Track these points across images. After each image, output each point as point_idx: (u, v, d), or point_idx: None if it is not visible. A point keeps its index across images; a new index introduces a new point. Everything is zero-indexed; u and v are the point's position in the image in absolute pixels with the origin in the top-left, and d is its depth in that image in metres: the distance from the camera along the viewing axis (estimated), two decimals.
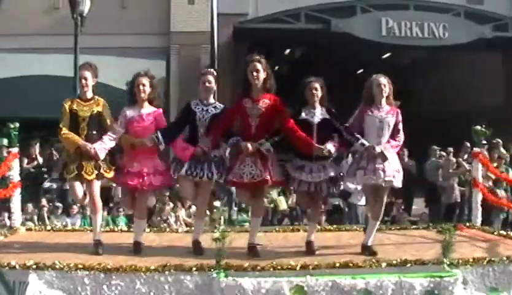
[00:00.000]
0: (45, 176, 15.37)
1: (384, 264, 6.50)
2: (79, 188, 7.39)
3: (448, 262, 6.50)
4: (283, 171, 7.23)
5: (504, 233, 8.41)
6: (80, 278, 6.26)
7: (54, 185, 14.71)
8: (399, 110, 7.27)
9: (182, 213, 14.05)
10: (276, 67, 27.48)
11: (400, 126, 7.23)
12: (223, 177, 7.20)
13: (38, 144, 15.84)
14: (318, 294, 6.08)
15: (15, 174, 8.60)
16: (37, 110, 16.55)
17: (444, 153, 16.46)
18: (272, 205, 15.29)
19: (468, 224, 9.14)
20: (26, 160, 14.84)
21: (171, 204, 13.97)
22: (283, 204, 15.50)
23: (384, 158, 6.98)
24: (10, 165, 8.51)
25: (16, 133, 8.51)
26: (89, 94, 7.35)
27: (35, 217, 13.40)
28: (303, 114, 7.11)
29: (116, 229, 9.47)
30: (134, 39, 19.96)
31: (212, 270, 6.27)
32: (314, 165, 7.03)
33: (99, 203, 7.34)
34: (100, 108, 7.28)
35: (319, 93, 7.12)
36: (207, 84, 7.26)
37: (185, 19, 20.08)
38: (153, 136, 7.05)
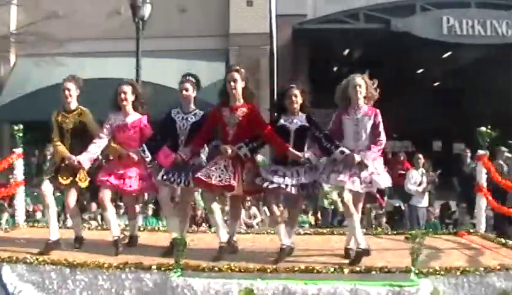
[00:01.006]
0: None
1: (346, 271, 6.24)
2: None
3: (416, 271, 6.18)
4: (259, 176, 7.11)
5: (504, 241, 7.88)
6: (47, 272, 6.50)
7: None
8: (378, 111, 6.97)
9: (241, 214, 14.00)
10: (335, 68, 27.28)
11: (381, 127, 6.91)
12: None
13: None
14: None
15: (18, 174, 8.95)
16: (101, 112, 16.76)
17: (510, 155, 15.90)
18: (332, 207, 15.09)
19: (472, 230, 8.75)
20: None
21: None
22: (341, 206, 15.26)
23: (364, 166, 6.74)
24: (14, 164, 8.85)
25: (21, 134, 8.82)
26: (73, 105, 7.48)
27: (99, 217, 13.60)
28: (282, 120, 7.01)
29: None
30: (193, 41, 20.10)
31: (170, 269, 6.31)
32: (288, 170, 6.90)
33: (72, 208, 7.51)
34: (83, 118, 7.43)
35: (299, 100, 6.96)
36: (184, 92, 7.26)
37: (244, 21, 20.08)
38: (140, 149, 7.15)
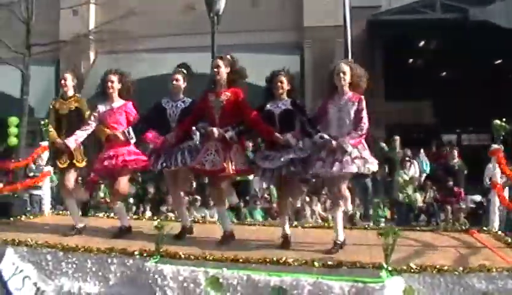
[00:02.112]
0: None
1: (316, 264, 6.18)
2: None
3: (390, 268, 5.99)
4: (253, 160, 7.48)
5: (510, 241, 7.39)
6: (44, 254, 6.99)
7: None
8: (362, 98, 6.92)
9: (318, 208, 13.98)
10: (410, 60, 26.75)
11: (363, 113, 6.86)
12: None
13: None
14: (233, 287, 6.06)
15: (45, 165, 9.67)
16: None
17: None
18: (407, 201, 14.81)
19: (485, 228, 8.28)
20: None
21: (307, 199, 13.93)
22: (418, 200, 14.98)
23: (343, 151, 6.72)
24: (41, 156, 9.62)
25: (47, 128, 9.15)
26: (70, 93, 8.17)
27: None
28: (268, 105, 7.26)
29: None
30: (268, 35, 20.03)
31: (150, 255, 6.57)
32: (277, 153, 7.07)
33: (70, 189, 8.04)
34: (78, 104, 8.07)
35: (285, 86, 7.21)
36: (174, 82, 7.72)
37: (317, 14, 19.90)
38: (125, 131, 7.73)
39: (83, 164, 8.08)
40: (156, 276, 6.27)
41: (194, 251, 6.68)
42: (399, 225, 10.75)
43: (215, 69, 7.26)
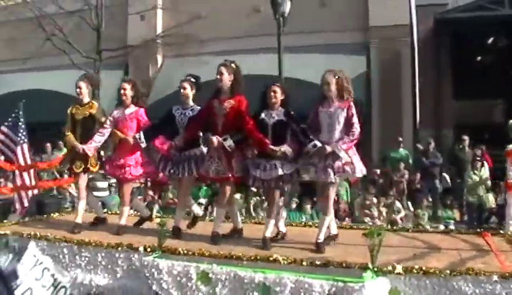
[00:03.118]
0: None
1: (305, 263, 6.24)
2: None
3: (375, 268, 5.91)
4: (246, 167, 7.50)
5: None
6: (61, 247, 7.39)
7: None
8: (352, 104, 7.06)
9: (384, 209, 13.82)
10: (479, 58, 26.14)
11: (354, 119, 7.01)
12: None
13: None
14: (222, 282, 6.26)
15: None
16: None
17: None
18: (476, 200, 14.44)
19: (501, 231, 7.84)
20: None
21: (375, 200, 13.81)
22: (490, 201, 14.58)
23: (336, 157, 6.91)
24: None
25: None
26: (86, 100, 8.43)
27: (243, 210, 13.82)
28: (262, 115, 7.34)
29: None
30: (333, 35, 19.71)
31: (153, 251, 6.85)
32: (268, 163, 7.21)
33: (82, 192, 8.45)
34: (93, 110, 8.32)
35: (278, 96, 7.28)
36: (182, 91, 7.87)
37: (383, 14, 19.50)
38: (136, 135, 7.98)
39: (97, 169, 8.51)
40: (153, 270, 6.54)
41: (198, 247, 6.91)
42: (469, 227, 10.48)
43: (218, 76, 7.32)
